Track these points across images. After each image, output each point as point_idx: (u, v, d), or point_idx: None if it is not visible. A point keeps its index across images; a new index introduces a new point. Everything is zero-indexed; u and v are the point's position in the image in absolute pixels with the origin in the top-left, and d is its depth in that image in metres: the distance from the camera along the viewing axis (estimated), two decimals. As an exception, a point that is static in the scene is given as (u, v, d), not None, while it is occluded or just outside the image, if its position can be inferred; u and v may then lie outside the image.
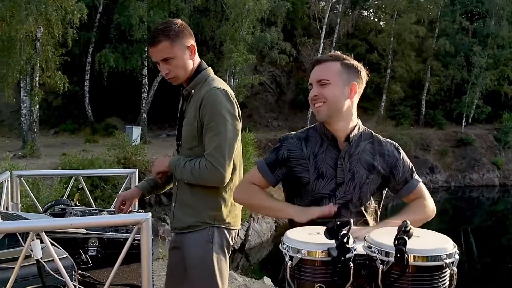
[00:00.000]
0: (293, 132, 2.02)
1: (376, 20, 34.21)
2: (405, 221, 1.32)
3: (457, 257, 1.33)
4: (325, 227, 1.38)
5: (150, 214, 1.73)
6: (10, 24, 14.56)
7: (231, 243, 2.32)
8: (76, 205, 2.75)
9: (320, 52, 25.91)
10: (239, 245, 15.17)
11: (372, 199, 1.93)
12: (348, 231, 1.34)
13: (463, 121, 29.06)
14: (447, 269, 1.30)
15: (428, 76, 29.71)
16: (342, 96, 1.86)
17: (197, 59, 2.32)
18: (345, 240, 1.32)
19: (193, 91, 2.28)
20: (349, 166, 1.88)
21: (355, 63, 1.91)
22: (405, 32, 27.94)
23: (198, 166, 2.17)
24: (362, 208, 1.90)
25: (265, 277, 8.79)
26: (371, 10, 35.04)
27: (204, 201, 2.24)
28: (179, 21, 2.29)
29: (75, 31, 16.29)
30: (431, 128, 28.67)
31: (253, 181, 1.97)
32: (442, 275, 1.30)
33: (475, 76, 28.90)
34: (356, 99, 1.92)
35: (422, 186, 1.96)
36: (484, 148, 28.19)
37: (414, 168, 1.97)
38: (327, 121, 1.89)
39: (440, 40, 29.18)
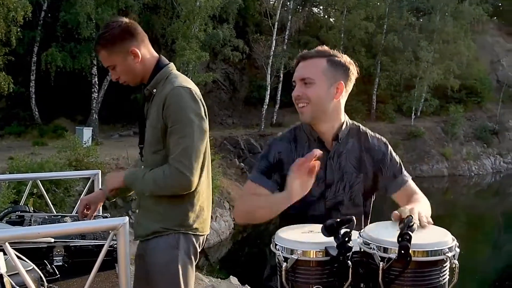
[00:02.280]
0: (280, 134, 1.91)
1: (327, 16, 34.76)
2: (410, 216, 1.29)
3: (458, 250, 1.28)
4: (318, 225, 1.33)
5: (127, 218, 1.65)
6: (-52, 22, 13.91)
7: (199, 249, 2.21)
8: (34, 211, 2.60)
9: (273, 48, 26.10)
10: (197, 245, 15.12)
11: (364, 199, 1.86)
12: (351, 229, 1.27)
13: (413, 114, 30.07)
14: (447, 263, 1.26)
15: (378, 71, 30.56)
16: (327, 96, 1.77)
17: (151, 56, 2.18)
18: (346, 238, 1.25)
19: (154, 91, 2.13)
20: (338, 166, 1.81)
21: (343, 59, 1.80)
22: (355, 28, 28.54)
23: (162, 174, 2.03)
24: (354, 210, 1.81)
25: (231, 276, 8.77)
26: (321, 7, 35.63)
27: (170, 207, 2.12)
28: (120, 22, 2.13)
29: (18, 29, 15.68)
30: (382, 122, 29.39)
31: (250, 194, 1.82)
32: (443, 270, 1.26)
33: (423, 71, 29.88)
34: (344, 98, 1.84)
35: (412, 183, 1.87)
36: (433, 140, 29.33)
37: (403, 165, 1.90)
38: (312, 123, 1.81)
39: (388, 36, 30.04)
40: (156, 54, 2.22)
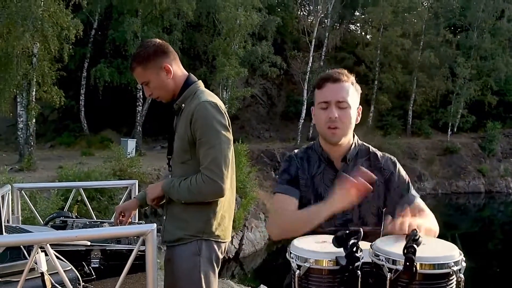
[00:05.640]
0: (295, 152, 1.97)
1: (363, 33, 34.87)
2: (415, 229, 1.34)
3: (464, 264, 1.32)
4: (331, 236, 1.39)
5: (155, 225, 1.77)
6: (7, 40, 14.59)
7: (221, 256, 2.29)
8: (76, 217, 2.79)
9: (310, 65, 26.48)
10: (233, 254, 15.35)
11: (374, 218, 1.84)
12: (358, 240, 1.33)
13: (449, 130, 29.66)
14: (454, 276, 1.29)
15: (414, 87, 30.24)
16: (353, 121, 1.83)
17: (182, 74, 2.33)
18: (354, 249, 1.32)
19: (183, 105, 2.27)
20: None
21: (354, 80, 1.86)
22: (391, 45, 28.55)
23: (195, 181, 2.14)
24: (364, 228, 1.73)
25: (261, 285, 8.91)
26: (358, 24, 35.81)
27: (193, 214, 2.22)
28: (154, 41, 2.30)
29: (70, 46, 16.40)
30: (418, 137, 29.20)
31: (282, 208, 1.81)
32: (449, 283, 1.30)
33: (460, 87, 29.57)
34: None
35: (420, 201, 1.82)
36: (469, 156, 28.76)
37: (411, 184, 1.89)
38: (336, 144, 1.84)
39: (425, 52, 29.73)
40: (185, 72, 2.34)
